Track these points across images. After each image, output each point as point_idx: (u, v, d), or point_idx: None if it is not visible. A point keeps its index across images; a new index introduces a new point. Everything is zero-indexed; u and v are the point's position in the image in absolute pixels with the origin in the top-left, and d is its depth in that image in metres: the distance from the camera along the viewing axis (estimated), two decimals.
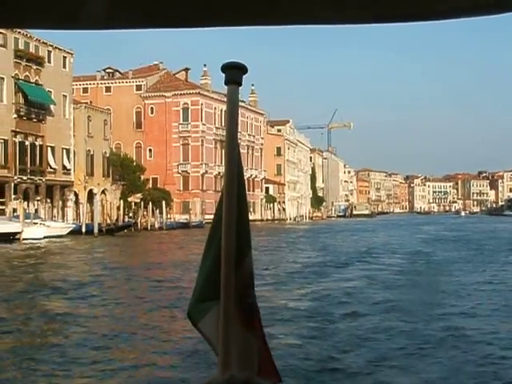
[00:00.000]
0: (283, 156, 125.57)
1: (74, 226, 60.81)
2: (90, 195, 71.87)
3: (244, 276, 1.67)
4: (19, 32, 62.16)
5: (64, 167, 68.81)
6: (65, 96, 70.03)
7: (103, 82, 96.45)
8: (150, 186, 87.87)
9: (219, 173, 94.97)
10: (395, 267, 30.49)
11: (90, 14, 1.40)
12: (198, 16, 1.43)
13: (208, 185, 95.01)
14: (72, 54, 71.91)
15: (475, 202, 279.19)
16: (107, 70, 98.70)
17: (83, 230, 61.77)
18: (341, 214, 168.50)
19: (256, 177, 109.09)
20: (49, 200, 65.13)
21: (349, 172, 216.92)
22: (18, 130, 62.46)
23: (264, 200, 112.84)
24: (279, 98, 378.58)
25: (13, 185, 60.95)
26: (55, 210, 65.61)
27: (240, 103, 1.69)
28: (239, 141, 1.68)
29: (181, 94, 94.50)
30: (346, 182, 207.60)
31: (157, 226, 76.33)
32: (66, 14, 1.42)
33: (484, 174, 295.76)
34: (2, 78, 61.01)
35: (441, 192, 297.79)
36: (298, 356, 12.52)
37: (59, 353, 12.91)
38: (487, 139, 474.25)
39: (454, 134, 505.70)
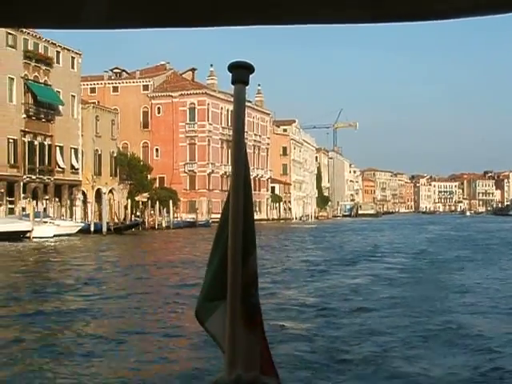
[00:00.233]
0: (289, 156, 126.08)
1: (83, 224, 61.51)
2: (98, 194, 72.51)
3: (248, 275, 1.68)
4: (28, 33, 62.92)
5: (72, 167, 69.45)
6: (73, 96, 70.68)
7: (110, 82, 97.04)
8: (157, 185, 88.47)
9: (225, 172, 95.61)
10: (400, 265, 30.99)
11: (91, 14, 1.42)
12: (198, 16, 1.45)
13: (214, 184, 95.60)
14: (80, 55, 72.55)
15: (481, 202, 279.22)
16: (114, 70, 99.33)
17: (92, 228, 62.41)
18: (346, 213, 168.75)
19: (262, 176, 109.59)
20: (57, 199, 65.77)
21: (354, 172, 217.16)
22: (27, 129, 63.11)
23: (270, 199, 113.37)
24: (285, 98, 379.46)
25: (22, 184, 61.65)
26: (63, 209, 66.23)
27: (246, 103, 1.73)
28: (245, 140, 1.73)
29: (187, 93, 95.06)
30: (351, 181, 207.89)
31: (164, 225, 76.96)
32: (66, 13, 1.44)
33: (490, 174, 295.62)
34: (12, 79, 61.67)
35: (446, 192, 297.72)
36: (305, 348, 13.10)
37: (73, 347, 13.35)
38: (493, 139, 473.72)
39: (459, 134, 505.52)
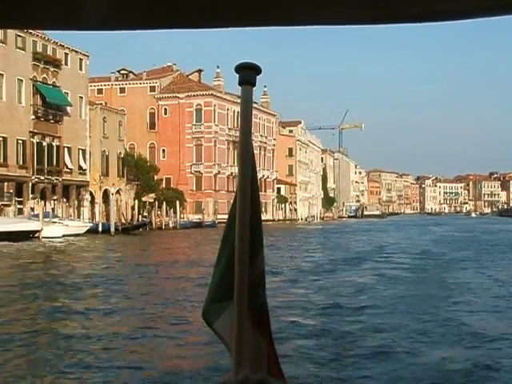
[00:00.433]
0: (295, 157, 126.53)
1: (91, 224, 62.13)
2: (105, 195, 73.16)
3: (256, 275, 1.68)
4: (37, 35, 63.65)
5: (80, 167, 70.12)
6: (81, 97, 71.35)
7: (117, 83, 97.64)
8: (164, 186, 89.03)
9: (231, 173, 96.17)
10: (404, 265, 31.46)
11: (91, 15, 1.43)
12: (197, 17, 1.45)
13: (220, 185, 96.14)
14: (88, 56, 73.26)
15: (486, 203, 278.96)
16: (121, 72, 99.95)
17: (100, 228, 63.02)
18: (352, 214, 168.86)
19: (268, 177, 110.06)
20: (65, 199, 66.40)
21: (360, 172, 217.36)
22: (35, 130, 63.82)
23: (276, 200, 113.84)
24: (291, 99, 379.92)
25: (31, 184, 62.35)
26: (71, 210, 66.87)
27: (253, 104, 1.74)
28: (252, 141, 1.74)
29: (194, 95, 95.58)
30: (356, 182, 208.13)
31: (171, 225, 77.58)
32: (65, 14, 1.44)
33: (495, 175, 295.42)
34: (21, 80, 62.35)
35: (452, 193, 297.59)
36: (311, 343, 13.65)
37: (82, 344, 13.71)
38: (499, 140, 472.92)
39: (465, 135, 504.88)
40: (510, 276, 27.02)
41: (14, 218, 55.73)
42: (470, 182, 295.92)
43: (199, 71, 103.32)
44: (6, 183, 59.20)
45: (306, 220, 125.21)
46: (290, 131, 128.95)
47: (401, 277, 26.77)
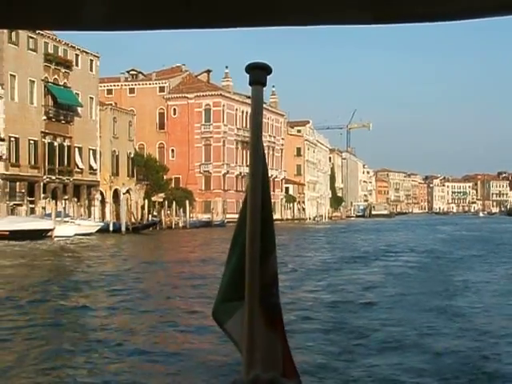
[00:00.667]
0: (303, 156, 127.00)
1: (102, 224, 62.91)
2: (116, 194, 73.93)
3: (268, 275, 1.68)
4: (49, 36, 64.46)
5: (90, 167, 70.88)
6: (91, 98, 72.12)
7: (127, 83, 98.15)
8: (173, 185, 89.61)
9: (240, 173, 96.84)
10: (411, 264, 31.97)
11: (90, 15, 1.43)
12: (198, 17, 1.45)
13: (229, 184, 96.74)
14: (98, 57, 74.05)
15: (494, 203, 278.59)
16: (131, 72, 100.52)
17: (110, 228, 63.68)
18: (360, 214, 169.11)
19: (276, 177, 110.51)
20: (75, 199, 67.16)
21: (368, 172, 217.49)
22: (47, 131, 64.63)
23: (284, 200, 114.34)
24: (299, 99, 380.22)
25: (42, 184, 63.13)
26: (81, 209, 67.61)
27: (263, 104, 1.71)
28: None
29: (203, 95, 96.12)
30: (364, 182, 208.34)
31: (180, 224, 78.25)
32: (65, 14, 1.44)
33: (504, 175, 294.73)
34: (33, 81, 63.14)
35: (460, 192, 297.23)
36: (321, 336, 14.26)
37: (97, 342, 14.00)
38: (508, 140, 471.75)
39: (473, 134, 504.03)
40: None
41: (28, 216, 56.60)
42: (479, 182, 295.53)
43: (208, 71, 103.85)
44: (18, 183, 60.00)
45: (314, 219, 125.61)
46: (299, 131, 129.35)
47: (408, 274, 27.31)
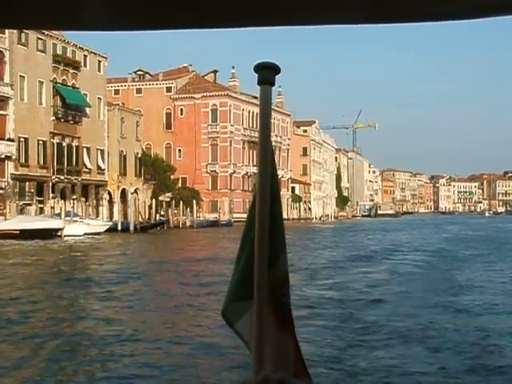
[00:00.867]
0: (309, 156, 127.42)
1: (111, 223, 63.52)
2: (123, 194, 74.54)
3: (279, 275, 1.67)
4: (57, 38, 65.09)
5: (98, 167, 71.43)
6: (99, 98, 72.72)
7: (134, 84, 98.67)
8: (180, 185, 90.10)
9: (247, 172, 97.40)
10: (417, 262, 32.39)
11: (91, 15, 1.43)
12: (198, 17, 1.45)
13: (236, 184, 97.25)
14: (106, 58, 74.60)
15: (501, 203, 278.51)
16: (138, 73, 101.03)
17: (119, 227, 64.29)
18: (366, 213, 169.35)
19: (282, 177, 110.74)
20: (84, 199, 67.81)
21: (374, 172, 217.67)
22: (55, 131, 65.24)
23: (290, 199, 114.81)
24: (305, 99, 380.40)
25: (51, 184, 63.75)
26: (90, 209, 68.24)
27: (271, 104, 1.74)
28: None
29: (210, 95, 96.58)
30: (370, 181, 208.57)
31: (188, 224, 78.84)
32: (66, 14, 1.44)
33: (510, 174, 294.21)
34: (42, 82, 63.76)
35: (466, 192, 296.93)
36: (328, 331, 14.77)
37: (112, 338, 14.22)
38: None
39: (479, 134, 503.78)
40: None
41: (38, 216, 57.26)
42: (485, 181, 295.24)
43: (215, 72, 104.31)
44: (27, 183, 60.65)
45: (321, 219, 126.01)
46: (305, 131, 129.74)
47: (414, 273, 27.77)
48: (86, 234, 54.00)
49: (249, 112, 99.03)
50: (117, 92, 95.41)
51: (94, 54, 72.26)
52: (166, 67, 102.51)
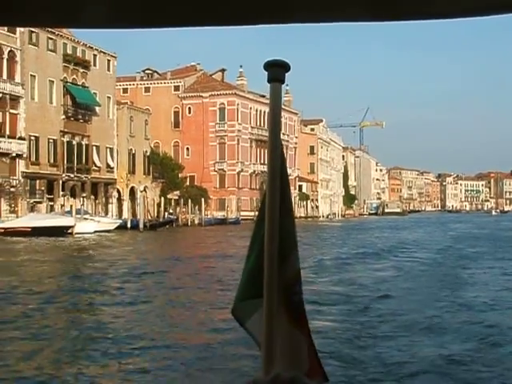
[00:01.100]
0: (316, 155, 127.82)
1: (121, 221, 64.17)
2: (132, 192, 75.18)
3: (290, 273, 1.66)
4: (67, 37, 65.77)
5: (108, 165, 72.10)
6: (109, 97, 73.35)
7: (142, 82, 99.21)
8: (188, 183, 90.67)
9: (254, 171, 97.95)
10: (422, 260, 32.90)
11: (91, 13, 1.43)
12: (198, 15, 1.44)
13: (244, 182, 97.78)
14: (115, 57, 75.19)
15: (508, 201, 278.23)
16: (146, 71, 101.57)
17: (128, 225, 64.88)
18: (373, 211, 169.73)
19: (290, 175, 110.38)
20: (93, 197, 68.51)
21: (381, 170, 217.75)
22: (66, 130, 65.92)
23: (297, 198, 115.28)
24: (312, 97, 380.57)
25: (61, 182, 64.47)
26: (99, 207, 68.93)
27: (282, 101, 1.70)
28: None
29: (217, 94, 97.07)
30: (377, 180, 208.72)
31: (196, 222, 79.43)
32: (66, 12, 1.44)
33: None
34: (52, 82, 64.46)
35: (473, 191, 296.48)
36: (336, 325, 15.34)
37: (124, 332, 14.64)
38: None
39: (486, 132, 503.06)
40: None
41: (50, 213, 57.98)
42: (492, 180, 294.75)
43: (222, 70, 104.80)
44: (38, 181, 61.37)
45: (328, 217, 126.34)
46: (312, 129, 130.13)
47: (420, 270, 28.24)
48: (96, 231, 54.59)
49: (256, 111, 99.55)
50: (125, 91, 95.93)
51: (104, 53, 72.90)
52: (174, 66, 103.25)
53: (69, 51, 66.71)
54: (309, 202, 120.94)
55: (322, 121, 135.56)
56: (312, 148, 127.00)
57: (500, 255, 36.27)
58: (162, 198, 77.64)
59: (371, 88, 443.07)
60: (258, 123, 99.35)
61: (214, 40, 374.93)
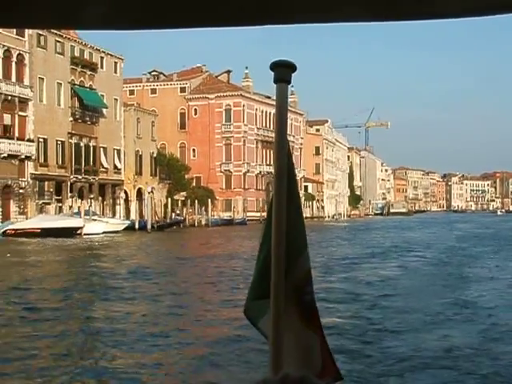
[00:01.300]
0: (322, 155, 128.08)
1: (129, 222, 64.67)
2: (139, 193, 75.68)
3: (301, 273, 1.66)
4: (75, 40, 66.38)
5: (115, 167, 72.59)
6: (116, 99, 73.85)
7: (149, 84, 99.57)
8: (194, 184, 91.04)
9: (260, 172, 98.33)
10: (428, 259, 33.44)
11: (90, 15, 1.42)
12: (198, 16, 1.44)
13: (250, 183, 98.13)
14: (122, 60, 75.72)
15: None
16: (152, 73, 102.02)
17: (136, 226, 65.35)
18: (378, 212, 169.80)
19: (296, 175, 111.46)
20: (100, 198, 69.05)
21: (386, 170, 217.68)
22: (73, 132, 66.47)
23: (303, 198, 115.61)
24: (318, 98, 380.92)
25: (69, 183, 65.05)
26: (107, 208, 69.47)
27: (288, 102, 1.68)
28: None
29: (223, 95, 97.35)
30: (383, 180, 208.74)
31: (203, 222, 79.93)
32: (65, 13, 1.43)
33: None
34: (60, 84, 65.05)
35: (479, 190, 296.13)
36: (342, 321, 15.81)
37: (138, 328, 15.03)
38: None
39: (491, 132, 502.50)
40: None
41: (59, 215, 58.56)
42: (497, 180, 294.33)
43: (228, 72, 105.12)
44: (46, 182, 61.97)
45: (333, 217, 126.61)
46: (317, 130, 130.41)
47: (425, 269, 28.73)
48: (104, 232, 55.08)
49: (262, 112, 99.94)
50: (132, 92, 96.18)
51: (111, 55, 73.44)
52: (180, 68, 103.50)
53: (76, 54, 67.31)
54: (314, 202, 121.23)
55: (327, 121, 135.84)
56: (317, 149, 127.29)
57: (504, 254, 36.67)
58: (169, 199, 78.12)
59: (376, 88, 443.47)
60: (264, 124, 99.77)
61: (219, 41, 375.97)
